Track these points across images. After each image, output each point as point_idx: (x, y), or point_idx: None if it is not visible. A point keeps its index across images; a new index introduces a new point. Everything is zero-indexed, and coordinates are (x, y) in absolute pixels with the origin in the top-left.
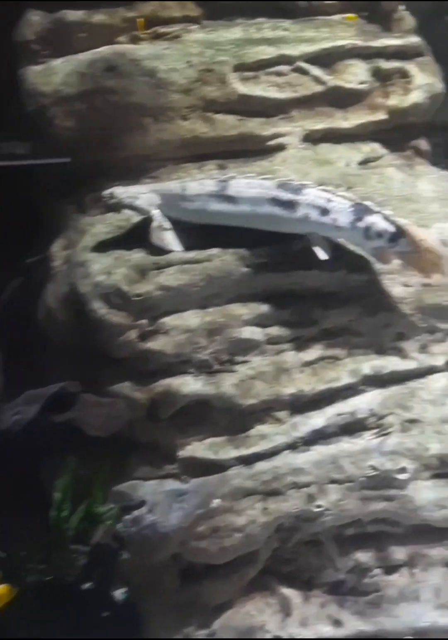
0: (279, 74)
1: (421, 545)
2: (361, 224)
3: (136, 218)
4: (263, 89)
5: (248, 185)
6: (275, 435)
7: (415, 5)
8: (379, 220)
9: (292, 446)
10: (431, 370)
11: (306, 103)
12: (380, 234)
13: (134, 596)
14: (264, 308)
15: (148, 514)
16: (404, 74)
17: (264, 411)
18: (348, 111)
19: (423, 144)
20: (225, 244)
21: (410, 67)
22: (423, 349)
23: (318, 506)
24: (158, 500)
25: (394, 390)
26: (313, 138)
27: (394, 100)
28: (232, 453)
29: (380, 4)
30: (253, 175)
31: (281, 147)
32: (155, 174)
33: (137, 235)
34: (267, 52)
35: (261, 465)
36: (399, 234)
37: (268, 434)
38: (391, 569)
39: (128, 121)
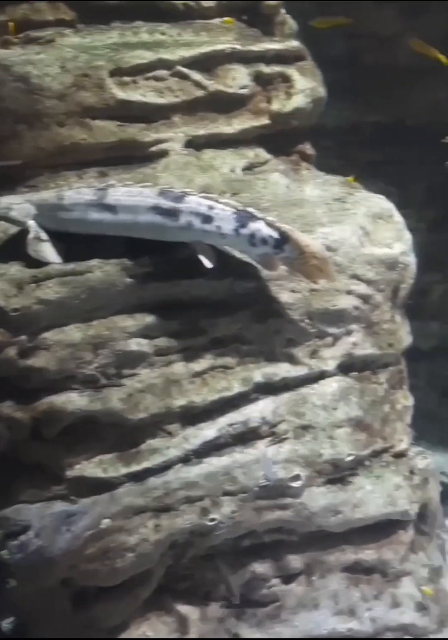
0: (158, 78)
1: (318, 552)
2: (245, 231)
3: (13, 229)
4: (142, 94)
5: (128, 193)
6: (166, 449)
7: (298, 8)
8: (263, 227)
9: (184, 459)
10: (322, 375)
11: (188, 108)
12: (264, 241)
13: (23, 625)
14: (150, 319)
15: (35, 539)
16: (286, 79)
17: (155, 425)
18: (231, 116)
19: (308, 148)
20: (106, 254)
21: (291, 71)
22: (313, 354)
23: (212, 520)
24: (45, 523)
25: (286, 397)
26: (196, 144)
27: (276, 105)
28: (122, 470)
29: (261, 8)
30: (132, 183)
31: (163, 154)
32: (32, 182)
33: (14, 248)
34: (145, 56)
35: (152, 481)
36: (283, 240)
37: (159, 448)
38: (289, 578)
39: (1, 128)
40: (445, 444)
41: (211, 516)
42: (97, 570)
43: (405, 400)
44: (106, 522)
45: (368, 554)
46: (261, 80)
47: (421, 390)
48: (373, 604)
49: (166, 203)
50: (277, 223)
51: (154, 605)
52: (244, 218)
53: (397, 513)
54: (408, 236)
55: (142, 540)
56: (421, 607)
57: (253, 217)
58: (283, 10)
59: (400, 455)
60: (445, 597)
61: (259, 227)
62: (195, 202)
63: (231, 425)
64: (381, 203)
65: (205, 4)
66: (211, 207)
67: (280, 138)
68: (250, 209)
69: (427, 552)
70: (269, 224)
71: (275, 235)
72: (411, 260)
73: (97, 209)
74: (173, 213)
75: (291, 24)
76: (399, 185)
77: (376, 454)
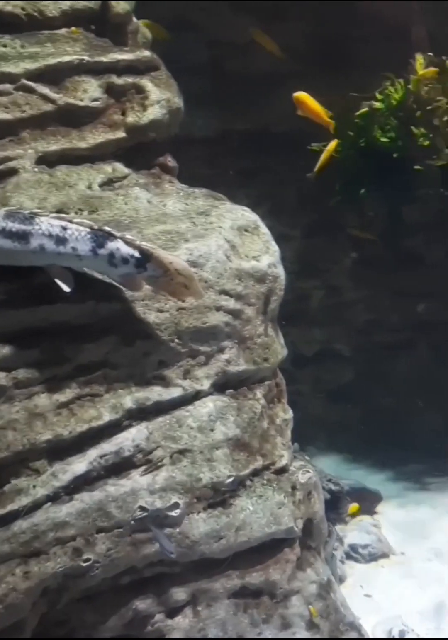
0: (2, 93)
1: (202, 580)
2: (103, 251)
3: None
4: None
5: None
6: (33, 488)
7: (159, 15)
8: (122, 246)
9: (53, 498)
10: (196, 396)
11: (37, 123)
12: (125, 260)
13: None
14: (7, 350)
15: None
16: (139, 90)
17: (19, 463)
18: (84, 130)
19: (169, 160)
20: None
21: (145, 82)
22: (186, 374)
23: (86, 560)
24: None
25: (160, 421)
26: (48, 160)
27: (132, 117)
28: None
29: (110, 17)
30: None
31: (13, 172)
32: None
33: None
34: None
35: (19, 525)
36: (145, 259)
37: (25, 488)
38: (173, 611)
39: None
40: (333, 448)
41: (85, 556)
42: None
43: (284, 414)
44: None
45: (254, 577)
46: (113, 92)
47: (307, 396)
48: (262, 628)
49: (14, 226)
50: (137, 241)
51: None
52: (101, 238)
53: (282, 531)
54: (275, 248)
55: (11, 590)
56: (311, 625)
57: (111, 236)
58: (135, 19)
59: (282, 471)
60: (336, 612)
61: (118, 247)
62: (46, 223)
63: (102, 456)
64: (246, 215)
65: (49, 13)
66: (64, 228)
67: (138, 151)
68: (107, 228)
69: (314, 567)
70: (129, 243)
71: (136, 254)
72: (280, 271)
73: None
74: (22, 236)
75: (145, 32)
76: (271, 193)
77: (257, 473)
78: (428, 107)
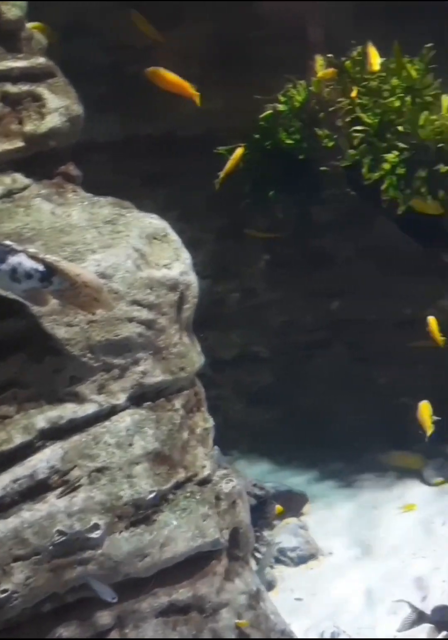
0: None
1: (128, 601)
2: (4, 267)
3: None
4: None
5: None
6: None
7: (53, 19)
8: (25, 260)
9: None
10: (113, 411)
11: None
12: (29, 275)
13: None
14: None
15: None
16: (36, 98)
17: None
18: None
19: (72, 169)
20: None
21: (42, 90)
22: (101, 389)
23: (4, 591)
24: None
25: (76, 440)
26: None
27: (30, 126)
28: None
29: (1, 24)
30: None
31: None
32: None
33: None
34: None
35: None
36: (50, 272)
37: None
38: (100, 635)
39: None
40: (256, 451)
41: (2, 587)
42: None
43: (205, 423)
44: None
45: (182, 593)
46: (9, 100)
47: (227, 400)
48: None
49: None
50: (41, 254)
51: None
52: (1, 252)
53: (208, 544)
54: (186, 255)
55: None
56: (242, 635)
57: (12, 251)
58: (28, 25)
59: (205, 482)
60: (266, 620)
61: (21, 261)
62: None
63: (15, 481)
64: (154, 222)
65: None
66: None
67: (39, 161)
68: (7, 242)
69: (243, 577)
70: (32, 256)
71: (40, 267)
72: (192, 278)
73: None
74: None
75: (40, 39)
76: (180, 198)
77: (179, 486)
78: (330, 108)
